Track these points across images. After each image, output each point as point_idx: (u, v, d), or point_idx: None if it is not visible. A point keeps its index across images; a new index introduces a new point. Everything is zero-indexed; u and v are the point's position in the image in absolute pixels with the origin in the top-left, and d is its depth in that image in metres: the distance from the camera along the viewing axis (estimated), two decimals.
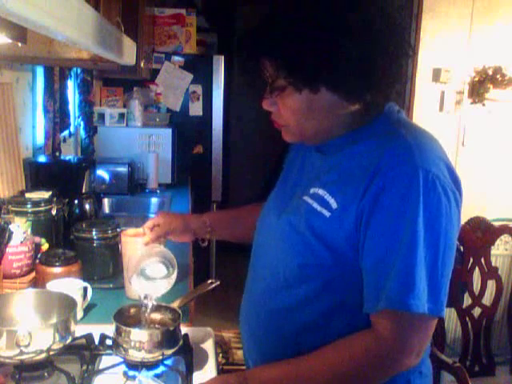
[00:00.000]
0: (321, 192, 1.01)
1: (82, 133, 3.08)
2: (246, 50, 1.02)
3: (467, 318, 2.26)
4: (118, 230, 1.69)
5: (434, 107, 3.15)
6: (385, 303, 0.93)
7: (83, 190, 2.18)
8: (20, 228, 1.52)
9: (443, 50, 3.13)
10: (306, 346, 1.02)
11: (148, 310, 1.18)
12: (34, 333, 1.05)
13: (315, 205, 1.01)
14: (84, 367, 1.13)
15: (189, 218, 1.42)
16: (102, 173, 2.87)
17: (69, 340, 1.12)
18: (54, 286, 1.36)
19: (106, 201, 2.83)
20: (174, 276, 1.24)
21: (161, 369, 1.14)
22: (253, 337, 1.15)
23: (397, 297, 0.92)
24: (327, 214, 0.98)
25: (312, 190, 1.04)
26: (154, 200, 2.96)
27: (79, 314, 1.38)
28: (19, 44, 1.11)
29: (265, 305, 1.10)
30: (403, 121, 1.05)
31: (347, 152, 1.03)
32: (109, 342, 1.18)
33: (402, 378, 1.03)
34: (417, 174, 0.91)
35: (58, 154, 2.48)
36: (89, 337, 1.21)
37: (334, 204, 0.98)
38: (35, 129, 2.28)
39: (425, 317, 0.94)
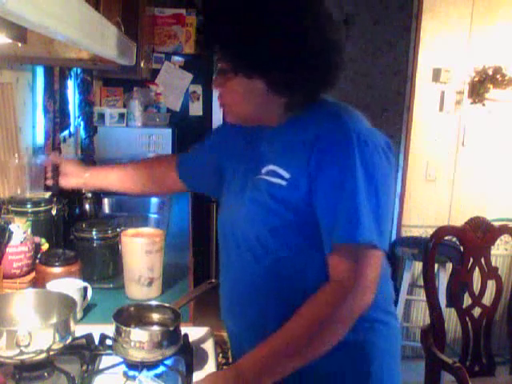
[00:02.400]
0: (272, 167, 1.13)
1: (82, 133, 3.08)
2: (204, 37, 1.15)
3: (467, 318, 2.26)
4: (118, 230, 1.69)
5: (434, 107, 3.15)
6: (335, 239, 1.05)
7: (83, 190, 2.17)
8: (20, 228, 1.52)
9: (443, 50, 3.13)
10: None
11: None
12: (33, 333, 1.04)
13: (272, 179, 1.13)
14: (84, 367, 1.13)
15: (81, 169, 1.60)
16: None
17: (69, 340, 1.12)
18: (54, 285, 1.36)
19: (105, 201, 2.82)
20: None
21: (161, 369, 1.13)
22: (245, 326, 1.21)
23: (345, 231, 1.04)
24: (283, 183, 1.11)
25: (264, 169, 1.15)
26: (154, 200, 2.96)
27: (79, 314, 1.38)
28: (19, 44, 1.11)
29: (250, 284, 1.17)
30: (333, 100, 1.18)
31: (287, 127, 1.15)
32: (109, 342, 1.18)
33: (365, 322, 1.12)
34: (351, 135, 1.06)
35: (58, 154, 2.47)
36: (89, 337, 1.21)
37: (286, 174, 1.11)
38: (35, 129, 2.28)
39: (372, 248, 1.05)
